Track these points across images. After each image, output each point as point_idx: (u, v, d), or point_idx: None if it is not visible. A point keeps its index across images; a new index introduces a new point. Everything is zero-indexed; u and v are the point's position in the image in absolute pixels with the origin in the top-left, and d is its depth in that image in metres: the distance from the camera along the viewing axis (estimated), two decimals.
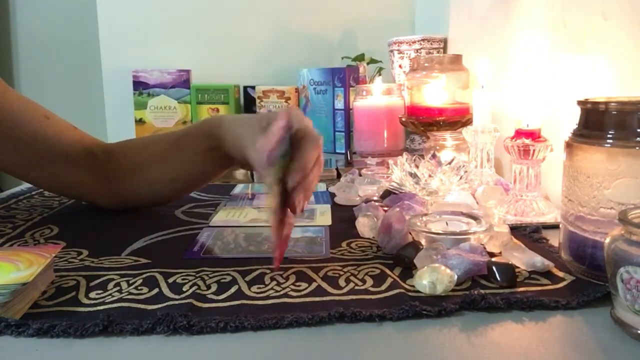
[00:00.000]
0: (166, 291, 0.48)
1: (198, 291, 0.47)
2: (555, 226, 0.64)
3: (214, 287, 0.48)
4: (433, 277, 0.46)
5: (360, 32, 1.58)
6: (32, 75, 2.10)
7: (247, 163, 0.64)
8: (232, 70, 1.55)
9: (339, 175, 1.01)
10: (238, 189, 0.92)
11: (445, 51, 1.27)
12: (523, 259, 0.52)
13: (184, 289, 0.48)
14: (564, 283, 0.49)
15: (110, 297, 0.47)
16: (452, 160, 0.77)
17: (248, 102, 1.49)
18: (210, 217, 0.73)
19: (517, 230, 0.63)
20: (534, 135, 0.67)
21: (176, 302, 0.45)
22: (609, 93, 0.65)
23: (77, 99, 2.00)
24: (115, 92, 1.58)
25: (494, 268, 0.49)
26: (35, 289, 0.47)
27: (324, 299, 0.46)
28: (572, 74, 0.76)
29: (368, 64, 1.41)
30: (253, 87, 1.46)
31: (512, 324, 0.42)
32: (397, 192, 0.77)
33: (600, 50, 0.69)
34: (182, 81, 1.44)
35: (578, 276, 0.50)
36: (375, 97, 1.12)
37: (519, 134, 0.68)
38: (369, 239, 0.63)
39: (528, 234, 0.62)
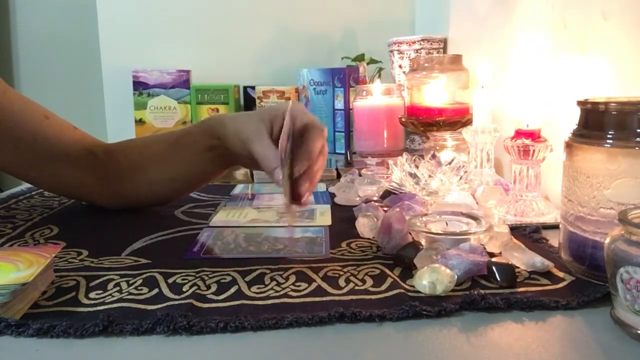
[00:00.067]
0: (166, 291, 0.48)
1: (198, 291, 0.47)
2: (555, 226, 0.64)
3: (214, 287, 0.48)
4: (433, 277, 0.46)
5: (360, 32, 1.58)
6: (32, 75, 2.10)
7: (250, 158, 0.64)
8: (232, 70, 1.55)
9: (339, 176, 1.01)
10: (238, 189, 0.92)
11: (445, 51, 1.27)
12: (523, 259, 0.52)
13: (184, 289, 0.48)
14: (564, 283, 0.49)
15: (110, 297, 0.47)
16: (452, 160, 0.76)
17: (248, 102, 1.49)
18: (210, 217, 0.73)
19: (517, 231, 0.63)
20: (534, 136, 0.67)
21: (176, 302, 0.45)
22: (609, 93, 0.65)
23: (77, 99, 1.99)
24: (115, 92, 1.58)
25: (494, 268, 0.49)
26: (35, 289, 0.47)
27: (324, 299, 0.46)
28: (572, 74, 0.76)
29: (368, 64, 1.41)
30: (253, 87, 1.46)
31: (512, 324, 0.42)
32: (397, 192, 0.77)
33: (600, 50, 0.69)
34: (182, 81, 1.44)
35: (578, 276, 0.50)
36: (375, 97, 1.12)
37: (519, 134, 0.68)
38: (369, 239, 0.63)
39: (528, 234, 0.62)
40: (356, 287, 0.48)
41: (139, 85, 1.44)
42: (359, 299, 0.46)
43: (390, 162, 0.82)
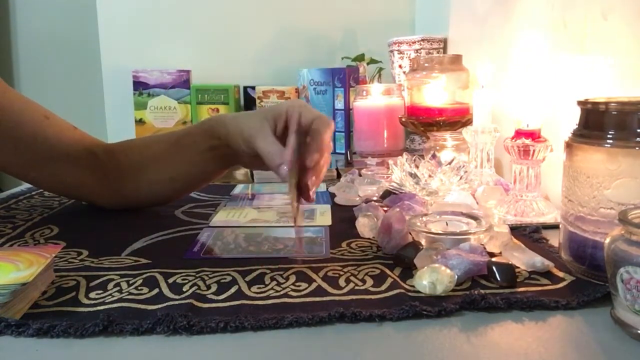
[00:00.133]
0: (166, 291, 0.48)
1: (198, 291, 0.47)
2: (555, 226, 0.64)
3: (214, 287, 0.48)
4: (433, 277, 0.46)
5: (360, 32, 1.58)
6: (32, 75, 2.10)
7: (253, 157, 0.65)
8: (232, 70, 1.55)
9: (339, 176, 1.01)
10: (238, 189, 0.92)
11: (445, 51, 1.27)
12: (523, 259, 0.52)
13: (184, 289, 0.48)
14: (564, 283, 0.49)
15: (110, 297, 0.47)
16: (452, 160, 0.77)
17: (248, 102, 1.49)
18: (210, 217, 0.73)
19: (517, 231, 0.63)
20: (534, 136, 0.67)
21: (176, 302, 0.45)
22: (609, 93, 0.65)
23: (77, 99, 1.99)
24: (115, 92, 1.58)
25: (494, 268, 0.49)
26: (35, 289, 0.47)
27: (324, 299, 0.46)
28: (572, 74, 0.76)
29: (368, 64, 1.41)
30: (253, 88, 1.46)
31: (512, 324, 0.42)
32: (397, 192, 0.77)
33: (600, 50, 0.69)
34: (182, 81, 1.44)
35: (578, 276, 0.50)
36: (375, 97, 1.12)
37: (519, 134, 0.68)
38: (369, 239, 0.63)
39: (528, 234, 0.62)
40: (356, 287, 0.48)
41: (139, 85, 1.44)
42: (359, 299, 0.46)
43: (391, 162, 0.82)
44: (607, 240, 0.40)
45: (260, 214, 0.75)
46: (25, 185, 0.91)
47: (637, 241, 0.38)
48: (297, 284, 0.49)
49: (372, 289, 0.48)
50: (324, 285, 0.49)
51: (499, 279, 0.48)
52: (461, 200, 0.71)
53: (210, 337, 0.40)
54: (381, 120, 1.11)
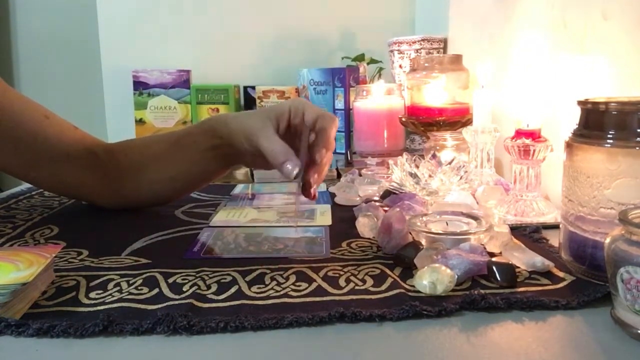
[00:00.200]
0: (166, 291, 0.48)
1: (198, 291, 0.47)
2: (555, 226, 0.64)
3: (214, 287, 0.48)
4: (433, 277, 0.46)
5: (360, 32, 1.58)
6: (32, 75, 2.10)
7: (255, 155, 0.65)
8: (232, 70, 1.55)
9: (339, 175, 1.01)
10: (238, 189, 0.92)
11: (445, 51, 1.27)
12: (523, 259, 0.52)
13: (184, 289, 0.48)
14: (564, 283, 0.49)
15: (110, 297, 0.47)
16: (452, 160, 0.76)
17: (248, 102, 1.49)
18: (210, 217, 0.73)
19: (517, 230, 0.63)
20: (534, 135, 0.67)
21: (176, 302, 0.45)
22: (609, 93, 0.65)
23: (77, 99, 1.99)
24: (115, 92, 1.58)
25: (494, 268, 0.49)
26: (35, 289, 0.47)
27: (324, 299, 0.46)
28: (572, 74, 0.76)
29: (368, 64, 1.41)
30: (253, 87, 1.46)
31: (512, 324, 0.42)
32: (397, 192, 0.77)
33: (600, 50, 0.69)
34: (182, 81, 1.44)
35: (578, 276, 0.50)
36: (375, 97, 1.12)
37: (519, 134, 0.68)
38: (369, 239, 0.63)
39: (528, 234, 0.62)
40: (356, 287, 0.48)
41: (139, 85, 1.44)
42: (359, 298, 0.46)
43: (391, 162, 0.82)
44: (607, 240, 0.40)
45: (260, 214, 0.75)
46: (25, 185, 0.91)
47: (637, 241, 0.38)
48: (297, 283, 0.49)
49: (372, 289, 0.48)
50: (324, 285, 0.49)
51: (499, 279, 0.48)
52: (461, 200, 0.71)
53: (210, 337, 0.40)
54: (381, 120, 1.11)
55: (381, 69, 1.42)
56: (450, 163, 0.76)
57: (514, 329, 0.41)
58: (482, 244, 0.56)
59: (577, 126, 0.51)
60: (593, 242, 0.48)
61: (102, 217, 0.74)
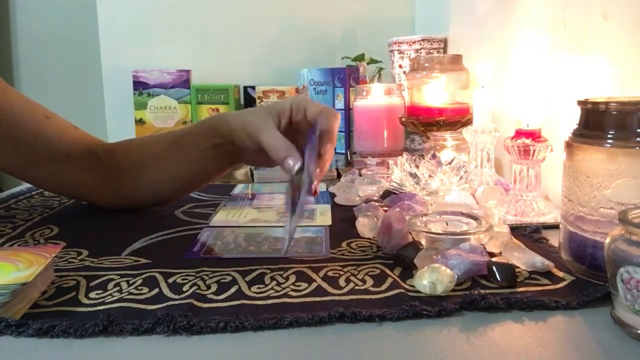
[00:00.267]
0: (166, 291, 0.48)
1: (198, 291, 0.47)
2: (555, 226, 0.64)
3: (214, 287, 0.48)
4: (433, 277, 0.46)
5: (360, 32, 1.58)
6: (32, 75, 2.10)
7: (257, 152, 0.65)
8: (232, 70, 1.55)
9: (339, 175, 1.01)
10: (238, 189, 0.92)
11: (445, 51, 1.27)
12: (523, 259, 0.52)
13: (184, 289, 0.48)
14: (564, 283, 0.49)
15: (110, 297, 0.47)
16: (452, 160, 0.76)
17: (248, 102, 1.49)
18: (210, 217, 0.73)
19: (517, 230, 0.63)
20: (534, 135, 0.67)
21: (176, 302, 0.45)
22: (609, 93, 0.65)
23: (77, 99, 1.99)
24: (115, 92, 1.58)
25: (494, 268, 0.49)
26: (35, 289, 0.47)
27: (324, 299, 0.46)
28: (572, 74, 0.76)
29: (368, 64, 1.41)
30: (253, 87, 1.46)
31: (512, 324, 0.42)
32: (397, 192, 0.77)
33: (600, 50, 0.69)
34: (182, 81, 1.44)
35: (578, 276, 0.50)
36: (375, 97, 1.12)
37: (519, 134, 0.68)
38: (369, 239, 0.63)
39: (528, 234, 0.62)
40: (356, 287, 0.48)
41: (139, 85, 1.44)
42: (359, 298, 0.46)
43: (391, 162, 0.82)
44: (607, 240, 0.40)
45: (260, 214, 0.75)
46: (25, 185, 0.91)
47: (637, 241, 0.38)
48: (297, 283, 0.49)
49: (372, 289, 0.48)
50: (324, 285, 0.49)
51: (499, 279, 0.48)
52: (461, 200, 0.71)
53: (210, 337, 0.40)
54: (381, 120, 1.11)
55: (381, 69, 1.42)
56: (450, 163, 0.76)
57: (514, 329, 0.41)
58: (482, 244, 0.56)
59: (577, 126, 0.51)
60: (593, 242, 0.48)
61: (102, 217, 0.74)
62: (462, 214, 0.62)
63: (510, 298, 0.45)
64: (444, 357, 0.37)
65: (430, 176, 0.74)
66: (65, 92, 2.04)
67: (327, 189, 0.90)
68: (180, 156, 0.73)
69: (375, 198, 0.78)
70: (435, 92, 1.03)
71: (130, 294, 0.47)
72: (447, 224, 0.60)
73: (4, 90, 0.69)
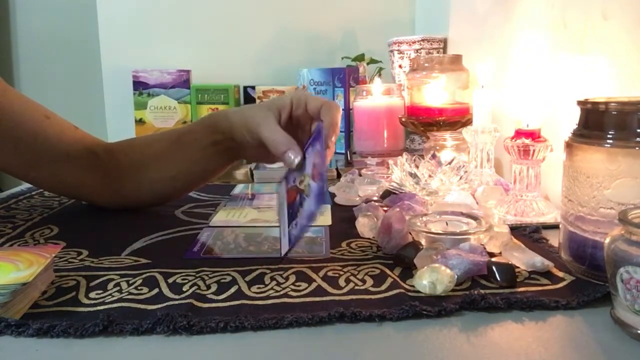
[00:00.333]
0: (166, 291, 0.48)
1: (198, 291, 0.47)
2: (555, 226, 0.64)
3: (214, 287, 0.48)
4: (433, 277, 0.46)
5: (360, 32, 1.58)
6: (32, 75, 2.10)
7: (258, 147, 0.65)
8: (232, 70, 1.55)
9: (339, 175, 1.01)
10: (238, 189, 0.92)
11: (445, 51, 1.27)
12: (523, 259, 0.52)
13: (184, 289, 0.48)
14: (564, 283, 0.49)
15: (110, 297, 0.47)
16: (452, 160, 0.76)
17: (248, 102, 1.49)
18: (210, 217, 0.73)
19: (517, 231, 0.63)
20: (534, 135, 0.67)
21: (176, 302, 0.45)
22: (609, 93, 0.65)
23: (77, 99, 1.99)
24: (115, 92, 1.58)
25: (494, 268, 0.49)
26: (35, 289, 0.47)
27: (324, 299, 0.46)
28: (572, 74, 0.76)
29: (368, 64, 1.41)
30: (253, 87, 1.46)
31: (512, 324, 0.42)
32: (397, 192, 0.77)
33: (600, 50, 0.69)
34: (182, 81, 1.44)
35: (578, 276, 0.50)
36: (375, 97, 1.12)
37: (519, 134, 0.68)
38: (369, 239, 0.63)
39: (528, 234, 0.62)
40: (356, 287, 0.48)
41: (139, 85, 1.44)
42: (359, 298, 0.46)
43: (391, 162, 0.82)
44: (607, 240, 0.40)
45: (260, 214, 0.75)
46: (25, 185, 0.91)
47: (637, 241, 0.38)
48: (297, 283, 0.49)
49: (372, 289, 0.48)
50: (324, 285, 0.49)
51: (499, 279, 0.48)
52: (461, 200, 0.71)
53: (210, 337, 0.40)
54: (381, 120, 1.11)
55: (381, 69, 1.42)
56: (450, 163, 0.76)
57: (514, 329, 0.41)
58: (482, 244, 0.56)
59: (577, 126, 0.51)
60: (593, 242, 0.48)
61: (102, 217, 0.74)
62: (462, 214, 0.62)
63: (510, 298, 0.45)
64: (444, 357, 0.37)
65: (430, 176, 0.74)
66: (65, 92, 2.04)
67: (327, 189, 0.90)
68: (180, 155, 0.73)
69: (375, 198, 0.78)
70: (435, 92, 1.03)
71: (130, 294, 0.47)
72: (447, 224, 0.60)
73: (4, 90, 0.69)
